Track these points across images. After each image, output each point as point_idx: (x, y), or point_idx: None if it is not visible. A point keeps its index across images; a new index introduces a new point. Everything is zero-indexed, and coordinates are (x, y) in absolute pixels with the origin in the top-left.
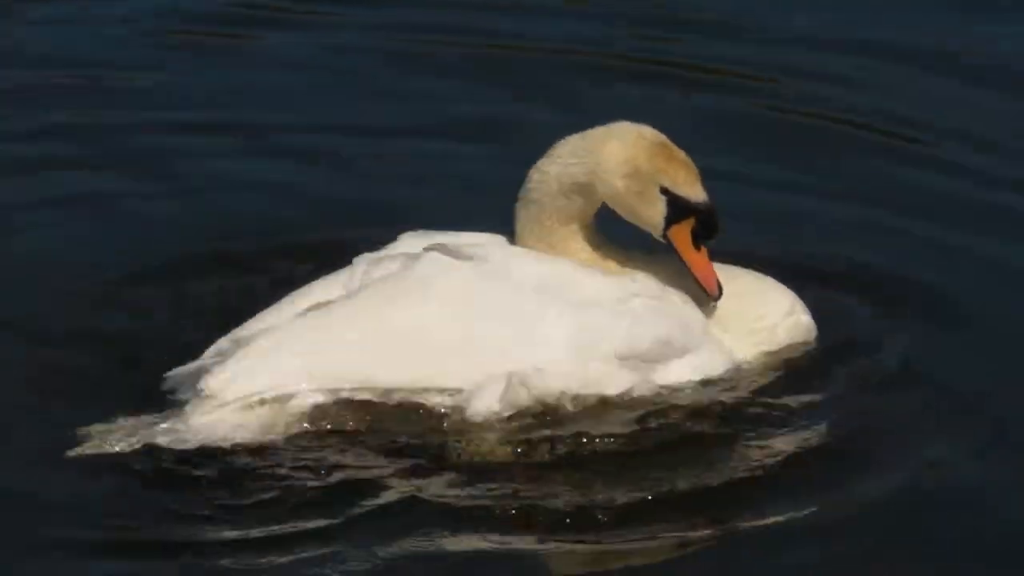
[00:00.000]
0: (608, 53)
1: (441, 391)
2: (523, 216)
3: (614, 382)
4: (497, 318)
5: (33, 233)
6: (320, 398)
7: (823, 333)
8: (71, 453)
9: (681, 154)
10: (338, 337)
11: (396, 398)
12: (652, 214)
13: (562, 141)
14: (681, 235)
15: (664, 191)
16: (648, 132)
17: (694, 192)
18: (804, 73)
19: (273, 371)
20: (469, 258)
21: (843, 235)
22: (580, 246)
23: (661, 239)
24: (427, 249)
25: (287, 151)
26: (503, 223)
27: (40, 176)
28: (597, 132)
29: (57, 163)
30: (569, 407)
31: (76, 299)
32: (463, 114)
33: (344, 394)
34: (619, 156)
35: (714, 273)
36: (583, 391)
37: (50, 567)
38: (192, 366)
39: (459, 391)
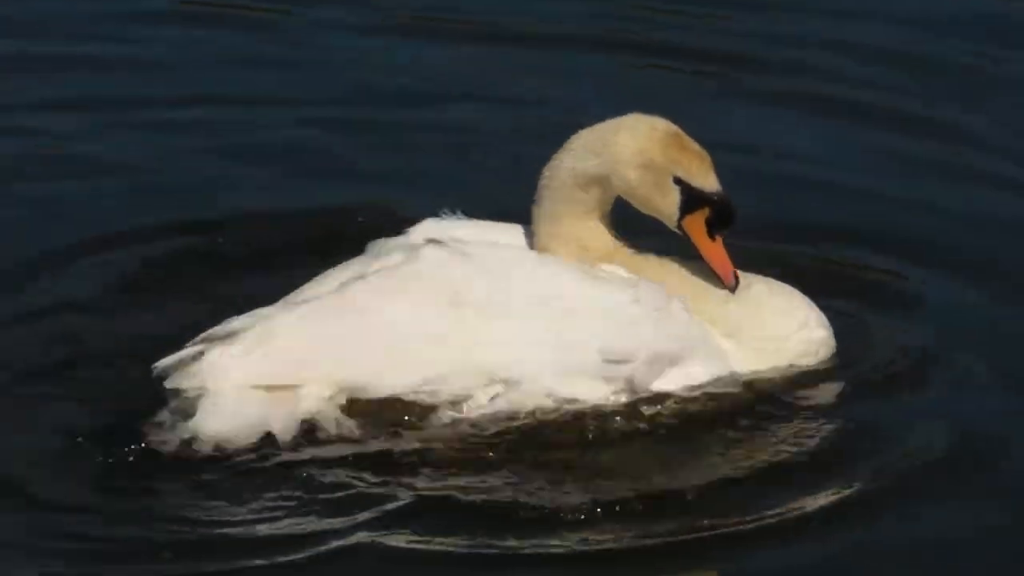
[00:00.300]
0: (617, 31)
1: (418, 391)
2: (539, 209)
3: (599, 391)
4: (482, 321)
5: (32, 204)
6: (309, 397)
7: (835, 325)
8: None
9: (694, 144)
10: (325, 334)
11: (376, 396)
12: (666, 205)
13: (575, 135)
14: (695, 225)
15: (678, 181)
16: (660, 123)
17: (708, 182)
18: (812, 45)
19: (262, 363)
20: (466, 255)
21: (854, 207)
22: (592, 240)
23: (676, 230)
24: (428, 241)
25: (302, 122)
26: (520, 199)
27: (48, 147)
28: (609, 125)
29: (60, 134)
30: (552, 415)
31: (71, 272)
32: (480, 90)
33: (329, 393)
34: (632, 147)
35: (730, 263)
36: (566, 399)
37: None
38: (183, 353)
39: (436, 392)
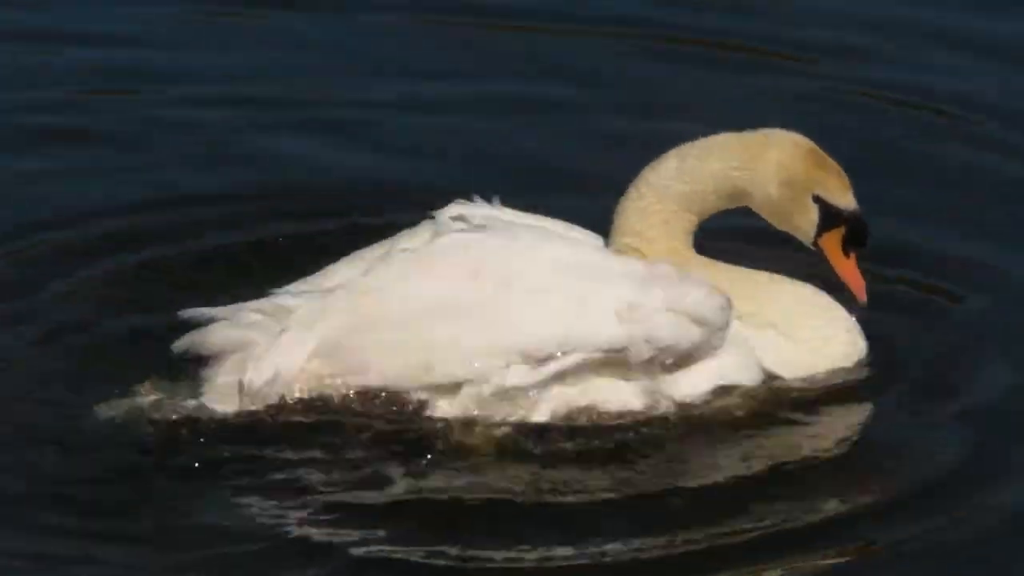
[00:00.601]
0: (650, 32)
1: (427, 388)
2: (651, 193)
3: (618, 394)
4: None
5: (53, 201)
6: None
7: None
8: (103, 414)
9: (833, 162)
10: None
11: (386, 387)
12: (805, 222)
13: (718, 139)
14: (832, 243)
15: (817, 199)
16: (802, 140)
17: (846, 201)
18: (846, 51)
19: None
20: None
21: (892, 216)
22: (682, 234)
23: (812, 247)
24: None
25: (315, 126)
26: (535, 200)
27: (67, 147)
28: (755, 137)
29: (79, 135)
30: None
31: (89, 264)
32: (497, 92)
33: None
34: (776, 163)
35: (863, 281)
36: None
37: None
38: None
39: (446, 387)
